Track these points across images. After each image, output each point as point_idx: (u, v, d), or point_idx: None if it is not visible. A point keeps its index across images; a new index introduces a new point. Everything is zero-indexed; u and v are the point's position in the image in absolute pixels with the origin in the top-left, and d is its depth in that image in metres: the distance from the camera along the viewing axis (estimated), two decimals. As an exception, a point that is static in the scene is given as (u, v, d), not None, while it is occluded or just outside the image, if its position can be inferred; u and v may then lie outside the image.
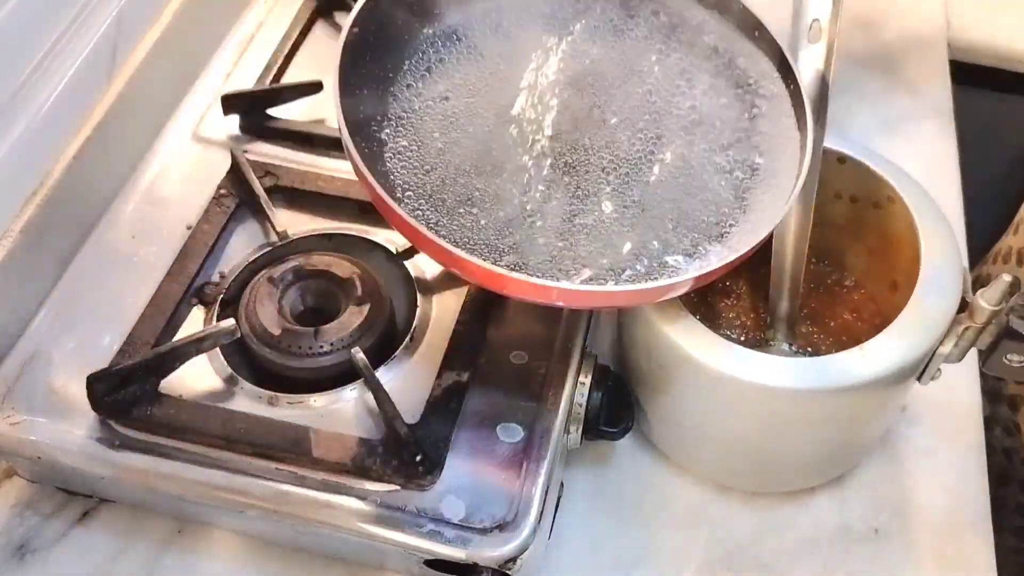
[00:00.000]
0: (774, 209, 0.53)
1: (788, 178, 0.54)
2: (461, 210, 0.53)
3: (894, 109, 0.83)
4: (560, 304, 0.54)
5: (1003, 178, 1.00)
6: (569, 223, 0.53)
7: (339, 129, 0.51)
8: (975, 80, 0.92)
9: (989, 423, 0.80)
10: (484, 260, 0.49)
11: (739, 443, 0.58)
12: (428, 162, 0.54)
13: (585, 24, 0.60)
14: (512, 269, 0.50)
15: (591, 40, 0.59)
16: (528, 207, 0.53)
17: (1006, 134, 1.01)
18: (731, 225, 0.54)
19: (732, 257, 0.50)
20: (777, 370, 0.52)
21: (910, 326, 0.52)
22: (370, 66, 0.56)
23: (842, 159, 0.60)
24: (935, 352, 0.54)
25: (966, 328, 0.52)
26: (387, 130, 0.55)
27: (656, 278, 0.51)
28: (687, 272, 0.51)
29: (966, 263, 0.69)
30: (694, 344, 0.53)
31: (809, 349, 0.63)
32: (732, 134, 0.57)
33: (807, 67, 0.57)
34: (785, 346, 0.61)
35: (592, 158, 0.55)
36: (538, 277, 0.50)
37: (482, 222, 0.53)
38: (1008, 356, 0.53)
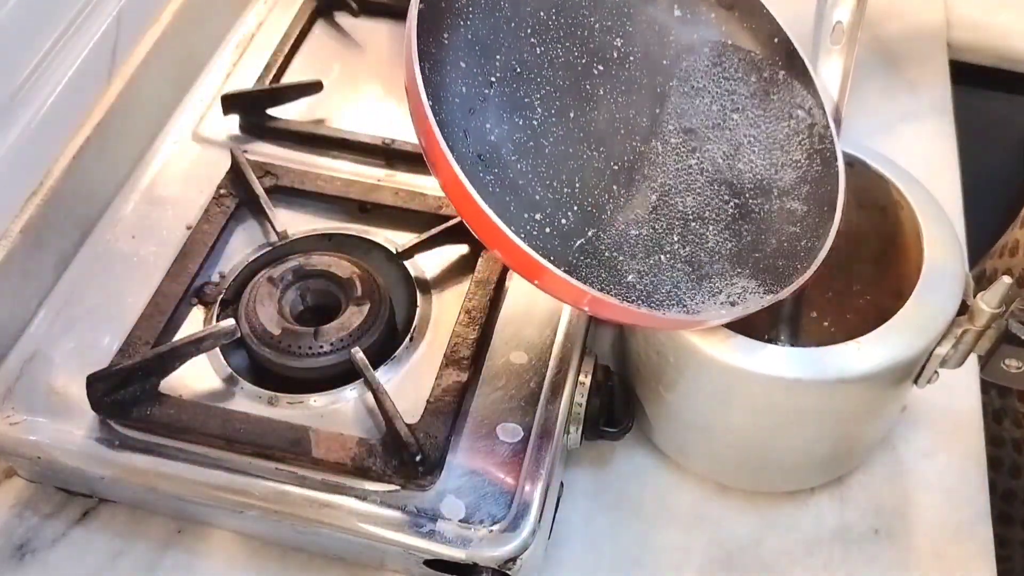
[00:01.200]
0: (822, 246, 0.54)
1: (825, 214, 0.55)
2: (526, 215, 0.53)
3: (894, 109, 0.83)
4: (586, 310, 0.53)
5: (1003, 178, 1.00)
6: (624, 235, 0.54)
7: (422, 103, 0.46)
8: (975, 80, 0.91)
9: (999, 415, 0.80)
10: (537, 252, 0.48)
11: (739, 439, 0.59)
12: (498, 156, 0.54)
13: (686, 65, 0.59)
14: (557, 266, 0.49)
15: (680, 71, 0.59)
16: (593, 215, 0.54)
17: (1006, 134, 1.01)
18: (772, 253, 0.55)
19: (776, 296, 0.51)
20: (774, 359, 0.52)
21: (907, 324, 0.52)
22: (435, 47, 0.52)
23: (851, 163, 0.60)
24: (932, 353, 0.53)
25: (965, 331, 0.52)
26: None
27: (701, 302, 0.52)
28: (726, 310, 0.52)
29: (967, 266, 0.69)
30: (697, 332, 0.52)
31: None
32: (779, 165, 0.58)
33: (830, 75, 0.58)
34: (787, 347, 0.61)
35: (664, 179, 0.56)
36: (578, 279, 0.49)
37: (547, 230, 0.53)
38: (1006, 361, 0.52)
